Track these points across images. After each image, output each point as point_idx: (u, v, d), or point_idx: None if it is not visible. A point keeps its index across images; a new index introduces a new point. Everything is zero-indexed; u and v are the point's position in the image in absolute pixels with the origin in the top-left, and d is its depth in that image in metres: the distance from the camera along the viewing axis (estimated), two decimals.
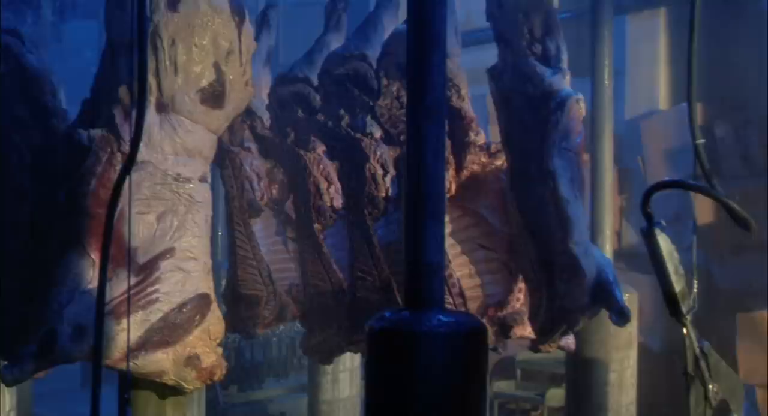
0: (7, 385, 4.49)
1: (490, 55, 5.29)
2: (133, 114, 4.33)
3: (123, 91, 4.43)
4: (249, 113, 5.77)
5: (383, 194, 5.34)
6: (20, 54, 5.04)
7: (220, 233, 9.02)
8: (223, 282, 5.95)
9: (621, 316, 4.85)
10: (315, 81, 5.78)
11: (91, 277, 4.32)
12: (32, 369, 4.31)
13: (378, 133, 5.39)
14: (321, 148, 5.68)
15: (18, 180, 4.88)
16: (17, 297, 4.73)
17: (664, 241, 3.96)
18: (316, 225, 5.67)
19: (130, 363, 4.32)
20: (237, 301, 5.79)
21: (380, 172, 5.35)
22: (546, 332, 5.08)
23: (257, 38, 5.84)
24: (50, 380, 4.66)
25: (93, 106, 4.62)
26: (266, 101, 5.94)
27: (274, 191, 5.88)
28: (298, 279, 5.84)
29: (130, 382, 4.33)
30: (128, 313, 4.06)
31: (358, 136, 5.42)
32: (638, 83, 10.99)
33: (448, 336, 3.10)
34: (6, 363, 4.44)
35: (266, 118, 5.91)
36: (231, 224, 5.80)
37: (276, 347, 9.80)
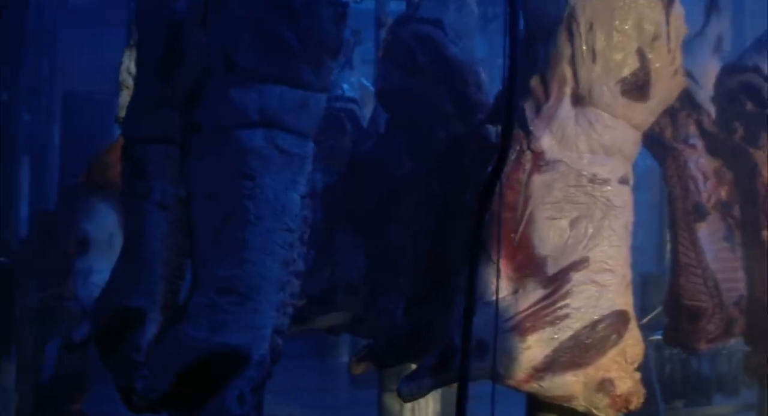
0: (404, 401, 4.29)
1: None
2: (545, 108, 4.02)
3: (536, 82, 4.16)
4: (695, 106, 5.39)
5: None
6: (442, 44, 4.99)
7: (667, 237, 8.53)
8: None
9: None
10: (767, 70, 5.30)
11: (495, 287, 3.99)
12: (429, 385, 4.13)
13: None
14: None
15: (429, 176, 4.81)
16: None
17: None
18: (765, 232, 5.24)
19: (536, 385, 4.01)
20: (679, 313, 5.36)
21: None
22: None
23: (706, 23, 5.54)
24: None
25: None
26: (713, 93, 5.45)
27: (722, 192, 5.46)
28: (746, 290, 5.37)
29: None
30: (495, 333, 3.67)
31: None
32: None
33: None
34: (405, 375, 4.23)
35: (713, 111, 5.48)
36: (673, 228, 5.39)
37: (726, 360, 9.17)
